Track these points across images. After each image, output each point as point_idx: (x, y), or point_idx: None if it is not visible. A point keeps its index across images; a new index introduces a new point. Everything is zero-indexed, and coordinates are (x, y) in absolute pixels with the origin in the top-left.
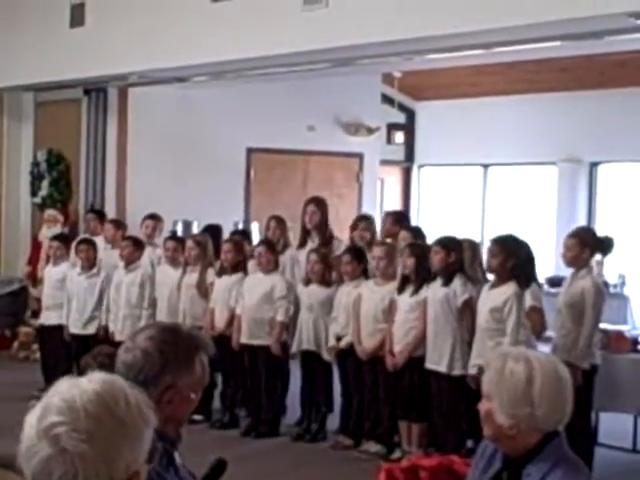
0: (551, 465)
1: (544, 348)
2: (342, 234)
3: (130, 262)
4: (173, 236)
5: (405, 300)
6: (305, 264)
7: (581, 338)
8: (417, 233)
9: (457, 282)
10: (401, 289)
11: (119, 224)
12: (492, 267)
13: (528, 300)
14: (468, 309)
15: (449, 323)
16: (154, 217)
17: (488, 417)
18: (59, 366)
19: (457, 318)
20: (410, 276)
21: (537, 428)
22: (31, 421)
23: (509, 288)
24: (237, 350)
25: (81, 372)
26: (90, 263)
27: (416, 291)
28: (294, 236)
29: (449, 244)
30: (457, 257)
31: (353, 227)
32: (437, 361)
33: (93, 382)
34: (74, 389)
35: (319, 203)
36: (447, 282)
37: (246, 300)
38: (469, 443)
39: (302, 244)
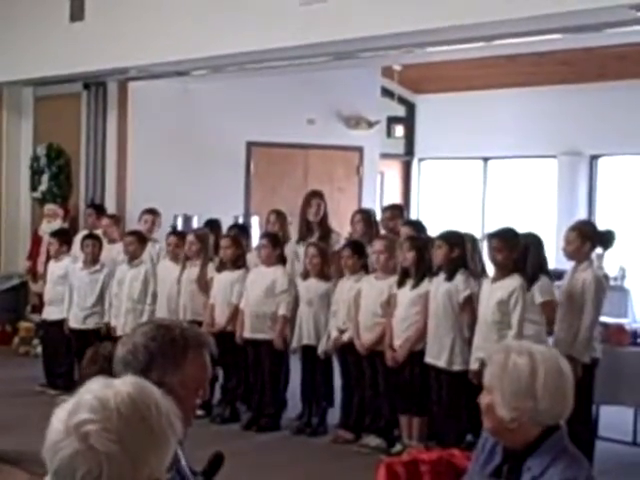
0: (551, 459)
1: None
2: (342, 228)
3: (134, 257)
4: (175, 231)
5: (405, 294)
6: (304, 258)
7: (581, 331)
8: (418, 227)
9: (460, 277)
10: (401, 283)
11: (117, 219)
12: (497, 261)
13: (538, 296)
14: (469, 305)
15: (450, 318)
16: (152, 212)
17: (489, 410)
18: (61, 361)
19: (458, 313)
20: (410, 270)
21: (538, 422)
22: (60, 416)
23: (514, 280)
24: (241, 345)
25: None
26: (94, 258)
27: (416, 285)
28: (294, 230)
29: (452, 239)
30: (460, 252)
31: (351, 221)
32: (436, 356)
33: (127, 385)
34: (108, 389)
35: (322, 196)
36: (450, 277)
37: (249, 294)
38: (469, 437)
39: (303, 238)
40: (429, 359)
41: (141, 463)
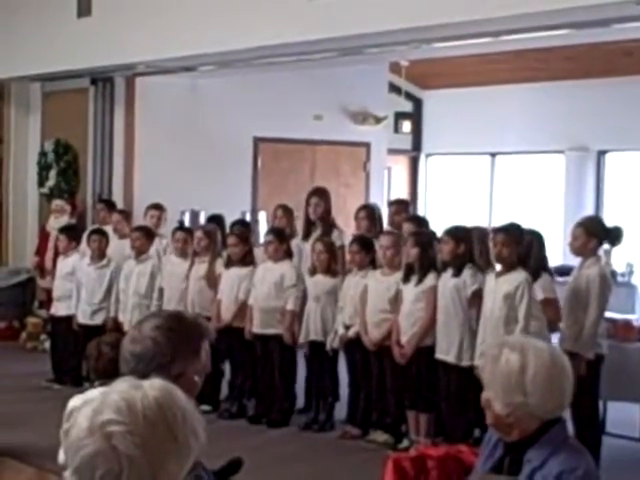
0: (552, 450)
1: (553, 338)
2: (349, 223)
3: (141, 253)
4: (182, 227)
5: (410, 290)
6: (310, 254)
7: (586, 327)
8: (421, 222)
9: (467, 272)
10: (406, 279)
11: (128, 214)
12: (503, 256)
13: (539, 293)
14: (477, 299)
15: (458, 313)
16: (158, 207)
17: (488, 406)
18: (68, 357)
19: (466, 309)
20: (414, 265)
21: (534, 416)
22: (86, 412)
23: (519, 274)
24: (250, 340)
25: (86, 360)
26: (101, 253)
27: (420, 280)
28: (301, 226)
29: (458, 234)
30: (466, 247)
31: (355, 216)
32: (446, 351)
33: (155, 389)
34: (136, 392)
35: (322, 194)
36: (457, 272)
37: (257, 290)
38: (476, 432)
39: (306, 235)
40: (439, 355)
41: (161, 469)
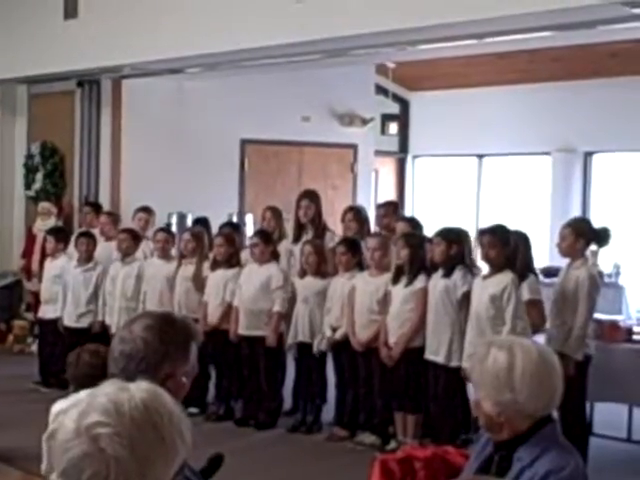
0: (542, 449)
1: (539, 339)
2: (337, 225)
3: (127, 255)
4: (162, 228)
5: (399, 291)
6: (300, 257)
7: (575, 329)
8: (413, 223)
9: (458, 274)
10: (395, 280)
11: (115, 217)
12: (490, 258)
13: (525, 294)
14: (467, 301)
15: (448, 314)
16: (146, 210)
17: (478, 407)
18: (56, 360)
19: (456, 310)
20: (404, 267)
21: (525, 414)
22: (72, 415)
23: (506, 276)
24: (235, 342)
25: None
26: (88, 256)
27: (410, 282)
28: (290, 227)
29: (451, 236)
30: (459, 249)
31: (342, 219)
32: (435, 352)
33: (142, 391)
34: (123, 393)
35: (312, 196)
36: (448, 273)
37: (243, 291)
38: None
39: (297, 238)
40: (428, 355)
41: (148, 470)
